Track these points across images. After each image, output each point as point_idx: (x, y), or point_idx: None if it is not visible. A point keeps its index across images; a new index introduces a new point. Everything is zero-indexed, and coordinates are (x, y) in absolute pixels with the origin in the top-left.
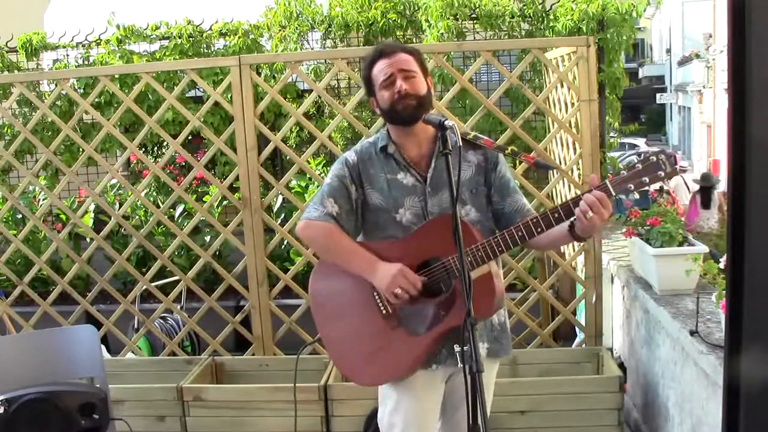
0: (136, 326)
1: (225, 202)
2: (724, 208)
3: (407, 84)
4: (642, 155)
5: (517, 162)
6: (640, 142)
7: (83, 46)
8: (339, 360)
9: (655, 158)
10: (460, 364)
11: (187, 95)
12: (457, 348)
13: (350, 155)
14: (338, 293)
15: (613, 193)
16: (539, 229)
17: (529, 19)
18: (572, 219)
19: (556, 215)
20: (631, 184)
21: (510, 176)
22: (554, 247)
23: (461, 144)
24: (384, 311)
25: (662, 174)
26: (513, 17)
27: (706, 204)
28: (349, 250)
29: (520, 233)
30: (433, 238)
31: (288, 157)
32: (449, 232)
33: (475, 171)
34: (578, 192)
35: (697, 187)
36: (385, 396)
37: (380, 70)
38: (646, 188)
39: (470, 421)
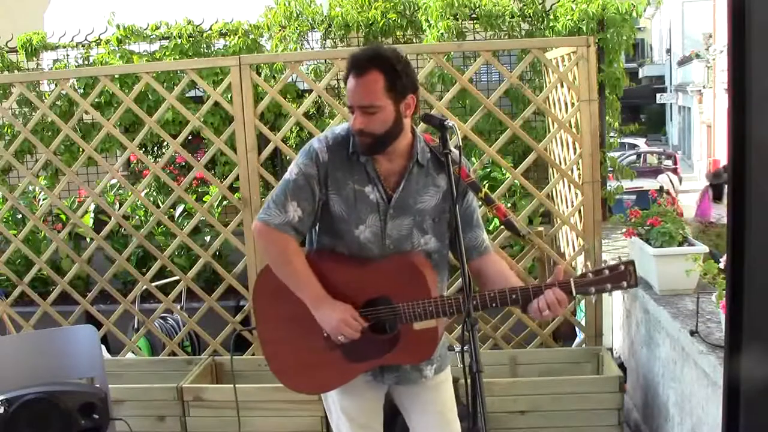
0: (136, 326)
1: (225, 202)
2: None
3: (363, 122)
4: (614, 261)
5: (491, 210)
6: (640, 142)
7: (83, 46)
8: (270, 358)
9: (623, 267)
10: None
11: (187, 95)
12: (457, 348)
13: (321, 149)
14: (285, 297)
15: (574, 294)
16: (494, 304)
17: (529, 19)
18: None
19: (514, 297)
20: (594, 287)
21: (476, 207)
22: None
23: (430, 159)
24: (326, 333)
25: (625, 284)
26: (513, 17)
27: (719, 197)
28: (301, 276)
29: (474, 302)
30: (389, 277)
31: (288, 157)
32: (406, 276)
33: (442, 198)
34: (578, 193)
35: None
36: (328, 394)
37: (348, 90)
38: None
39: (470, 422)
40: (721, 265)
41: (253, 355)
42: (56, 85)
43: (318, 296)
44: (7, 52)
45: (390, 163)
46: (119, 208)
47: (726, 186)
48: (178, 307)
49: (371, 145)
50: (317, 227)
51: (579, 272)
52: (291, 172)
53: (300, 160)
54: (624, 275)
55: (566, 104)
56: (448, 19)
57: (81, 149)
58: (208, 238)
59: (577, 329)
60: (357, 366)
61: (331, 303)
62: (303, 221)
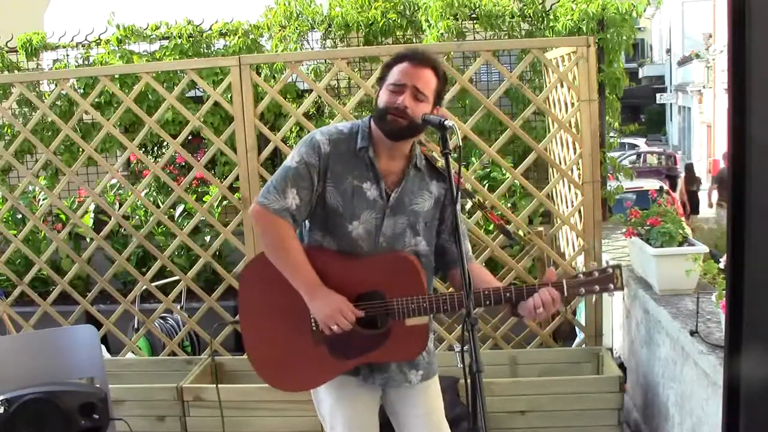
0: (136, 326)
1: (225, 202)
2: (683, 191)
3: (411, 104)
4: (602, 265)
5: (485, 214)
6: (640, 142)
7: (83, 46)
8: (253, 353)
9: (611, 270)
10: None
11: (187, 95)
12: (457, 348)
13: (323, 142)
14: (274, 289)
15: (566, 294)
16: (488, 302)
17: (529, 19)
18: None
19: (507, 295)
20: (584, 288)
21: (464, 216)
22: None
23: (425, 165)
24: (314, 327)
25: (612, 287)
26: (513, 17)
27: (673, 188)
28: (297, 263)
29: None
30: (384, 272)
31: None
32: (402, 272)
33: (434, 204)
34: (578, 193)
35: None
36: (321, 398)
37: (399, 71)
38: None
39: (470, 422)
40: (721, 265)
41: None
42: (56, 85)
43: (314, 284)
44: (7, 52)
45: (392, 161)
46: (119, 208)
47: (678, 179)
48: (178, 307)
49: (403, 128)
50: (308, 223)
51: (579, 270)
52: (292, 159)
53: (302, 149)
54: (611, 278)
55: (566, 104)
56: (448, 19)
57: (81, 149)
58: (208, 238)
59: (577, 329)
60: (341, 363)
61: (327, 292)
62: (300, 210)
